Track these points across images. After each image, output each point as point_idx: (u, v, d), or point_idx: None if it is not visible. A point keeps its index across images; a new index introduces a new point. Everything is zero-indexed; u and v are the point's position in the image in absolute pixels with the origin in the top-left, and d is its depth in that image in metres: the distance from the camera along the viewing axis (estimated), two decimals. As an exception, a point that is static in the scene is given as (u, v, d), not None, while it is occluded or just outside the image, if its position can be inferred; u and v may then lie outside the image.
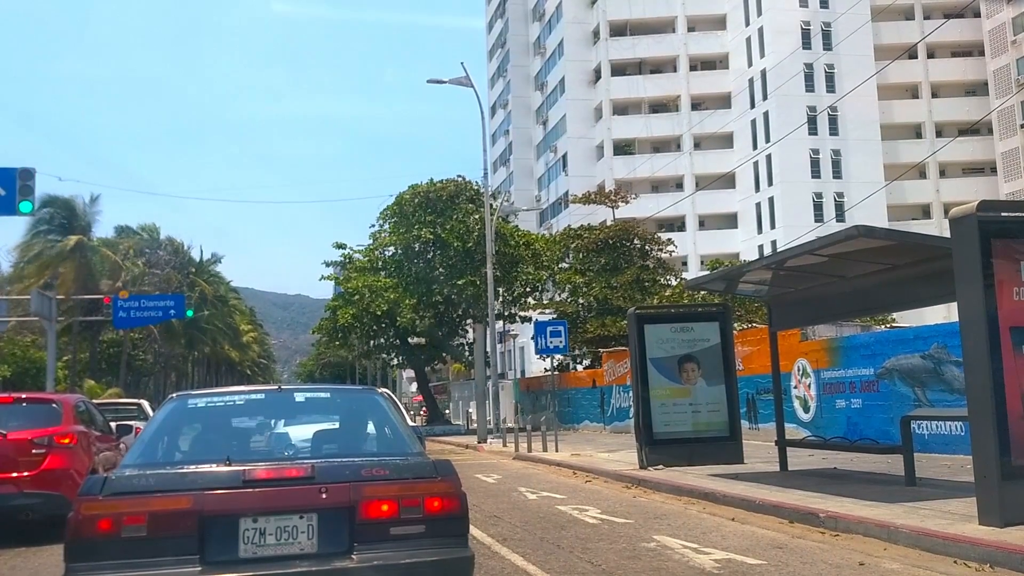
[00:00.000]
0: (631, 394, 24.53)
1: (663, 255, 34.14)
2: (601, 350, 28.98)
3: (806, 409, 17.78)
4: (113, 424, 11.83)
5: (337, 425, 5.46)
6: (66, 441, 9.52)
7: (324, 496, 4.23)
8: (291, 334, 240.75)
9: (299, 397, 5.72)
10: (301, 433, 5.27)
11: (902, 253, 9.41)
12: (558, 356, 38.12)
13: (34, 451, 9.24)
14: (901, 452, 10.11)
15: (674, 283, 33.25)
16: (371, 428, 5.27)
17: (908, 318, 28.74)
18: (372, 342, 36.76)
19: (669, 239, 34.62)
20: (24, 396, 11.16)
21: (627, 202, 37.77)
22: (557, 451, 18.55)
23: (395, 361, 38.10)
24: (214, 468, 4.34)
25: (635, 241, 33.96)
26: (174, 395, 5.43)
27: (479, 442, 24.42)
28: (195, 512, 4.09)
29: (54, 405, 10.30)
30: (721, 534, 8.04)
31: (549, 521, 9.16)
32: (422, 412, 49.67)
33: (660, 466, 13.26)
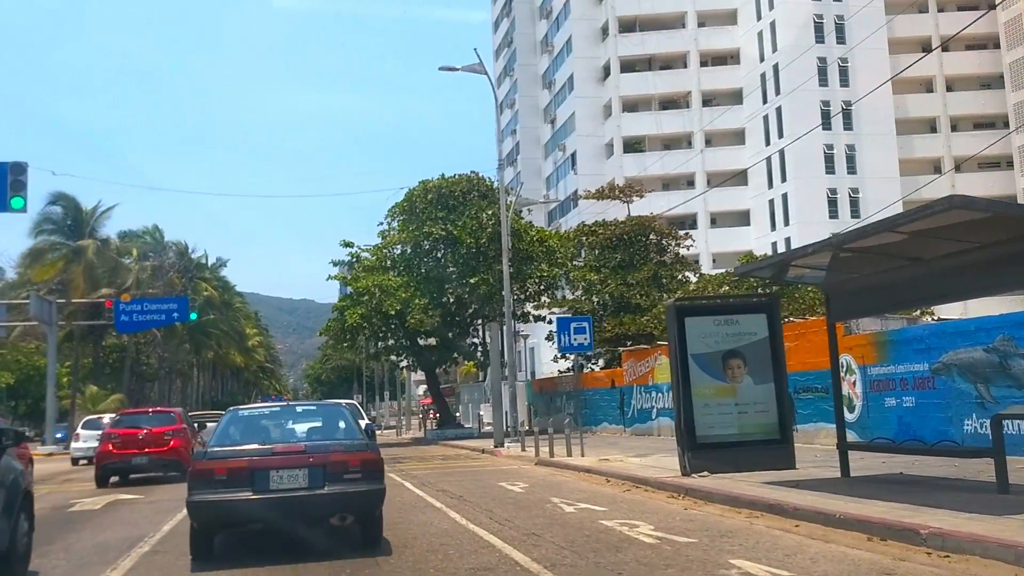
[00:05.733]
0: (671, 394, 23.38)
1: (681, 250, 32.91)
2: (621, 349, 27.78)
3: (851, 408, 16.54)
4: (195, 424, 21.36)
5: (320, 424, 9.35)
6: (182, 432, 18.01)
7: (311, 460, 7.96)
8: (297, 338, 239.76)
9: (299, 409, 10.34)
10: (300, 428, 9.26)
11: (997, 229, 8.21)
12: (573, 355, 36.99)
13: (165, 436, 17.62)
14: (991, 455, 8.91)
15: (693, 279, 32.02)
16: (338, 423, 9.11)
17: (949, 311, 27.45)
18: (381, 343, 35.54)
19: (687, 233, 33.35)
20: (152, 409, 21.98)
21: (641, 196, 36.55)
22: (583, 456, 17.32)
23: (405, 362, 36.85)
24: (256, 446, 8.20)
25: (651, 237, 32.76)
26: (231, 408, 9.76)
27: (496, 446, 23.19)
28: (248, 467, 7.85)
29: (172, 414, 19.33)
30: (808, 556, 6.85)
31: (598, 540, 7.97)
32: (431, 415, 48.38)
33: (705, 472, 12.06)
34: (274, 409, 9.97)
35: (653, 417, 25.04)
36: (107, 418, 25.84)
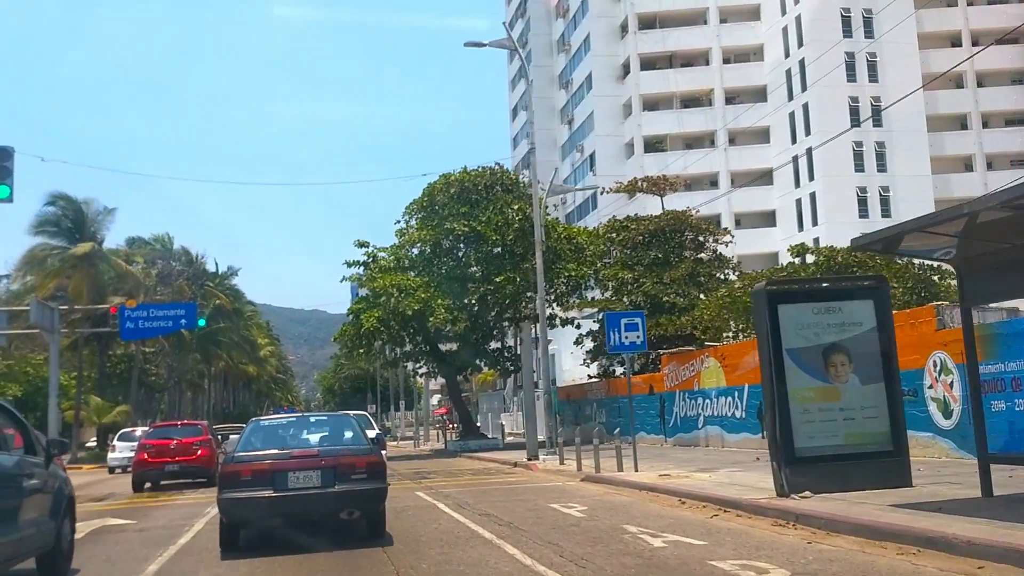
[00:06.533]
0: (721, 400, 21.20)
1: (720, 246, 30.73)
2: (661, 351, 25.65)
3: (947, 414, 14.42)
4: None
5: (330, 432, 10.61)
6: (208, 443, 20.00)
7: (323, 463, 9.09)
8: (308, 349, 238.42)
9: (312, 419, 11.72)
10: (313, 436, 10.53)
11: None
12: (595, 362, 34.80)
13: (194, 447, 19.56)
14: None
15: (733, 277, 29.82)
16: (346, 432, 10.41)
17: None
18: (399, 349, 33.41)
19: (726, 228, 31.21)
20: (181, 422, 25.42)
21: (675, 190, 34.45)
22: (636, 470, 15.21)
23: (424, 369, 34.66)
24: (276, 451, 9.47)
25: (687, 234, 30.62)
26: (253, 419, 11.47)
27: (529, 459, 21.08)
28: (270, 469, 9.00)
29: (199, 426, 21.74)
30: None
31: (726, 592, 5.90)
32: (449, 425, 46.21)
33: (806, 492, 9.96)
34: (290, 419, 11.76)
35: (700, 426, 22.91)
36: (139, 431, 28.89)
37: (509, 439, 36.39)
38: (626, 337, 15.23)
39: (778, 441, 10.19)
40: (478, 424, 40.49)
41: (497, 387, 59.40)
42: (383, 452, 14.29)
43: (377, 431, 25.02)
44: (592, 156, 64.64)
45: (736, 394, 20.75)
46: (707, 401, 22.39)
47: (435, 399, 76.72)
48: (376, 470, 9.21)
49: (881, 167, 57.90)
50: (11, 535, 6.65)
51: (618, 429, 16.80)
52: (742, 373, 20.41)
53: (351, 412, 17.47)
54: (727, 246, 31.06)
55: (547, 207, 29.90)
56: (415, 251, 31.79)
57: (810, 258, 25.58)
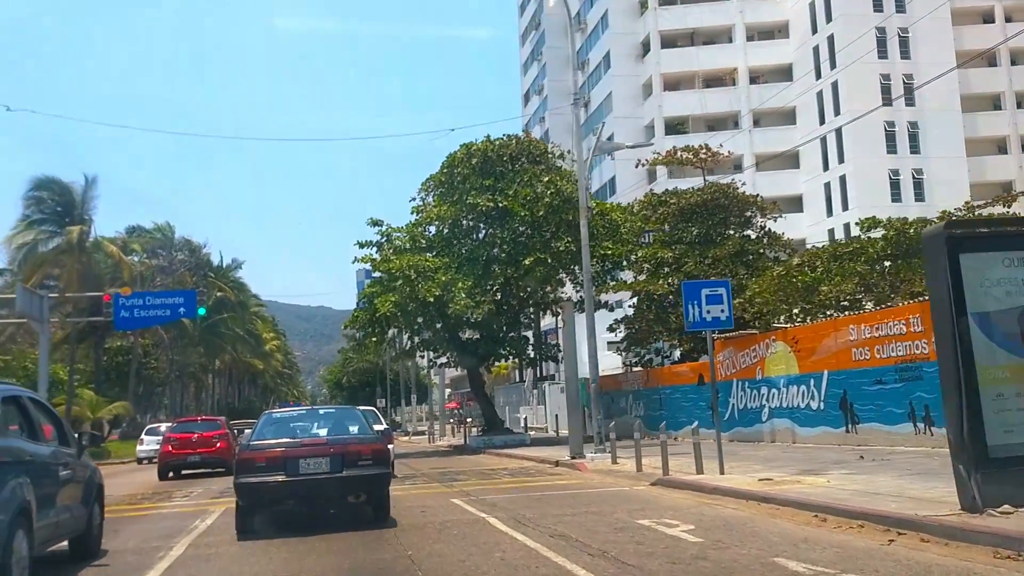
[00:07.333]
0: (791, 389, 18.32)
1: (770, 222, 28.02)
2: (716, 335, 22.94)
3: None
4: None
5: (338, 422, 11.29)
6: (226, 436, 22.04)
7: (332, 450, 9.81)
8: (314, 345, 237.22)
9: (321, 411, 12.43)
10: (322, 426, 11.13)
11: None
12: (628, 351, 32.21)
13: (213, 440, 21.71)
14: None
15: (784, 257, 27.14)
16: (353, 423, 11.12)
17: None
18: (417, 337, 30.73)
19: (775, 202, 28.53)
20: (201, 417, 26.93)
21: (718, 164, 31.78)
22: (722, 473, 12.51)
23: (443, 359, 31.99)
24: (288, 440, 10.26)
25: (731, 208, 27.91)
26: (265, 412, 12.54)
27: (573, 457, 18.42)
28: (282, 456, 9.72)
29: (217, 421, 23.70)
30: None
31: None
32: (466, 421, 43.63)
33: (1006, 506, 7.31)
34: (301, 412, 12.70)
35: (763, 419, 20.22)
36: (163, 426, 31.62)
37: (531, 434, 33.88)
38: (707, 311, 12.53)
39: (965, 437, 7.51)
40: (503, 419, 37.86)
41: (516, 379, 56.79)
42: (391, 446, 15.79)
43: (385, 426, 22.83)
44: (610, 139, 61.98)
45: (812, 382, 18.07)
46: (773, 391, 19.70)
47: (446, 392, 74.11)
48: (381, 457, 10.11)
49: (914, 148, 55.25)
50: (48, 519, 7.11)
51: (696, 423, 14.07)
52: (819, 358, 17.74)
53: (358, 407, 16.34)
54: (775, 221, 28.34)
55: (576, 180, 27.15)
56: (432, 230, 29.11)
57: (877, 233, 22.95)
